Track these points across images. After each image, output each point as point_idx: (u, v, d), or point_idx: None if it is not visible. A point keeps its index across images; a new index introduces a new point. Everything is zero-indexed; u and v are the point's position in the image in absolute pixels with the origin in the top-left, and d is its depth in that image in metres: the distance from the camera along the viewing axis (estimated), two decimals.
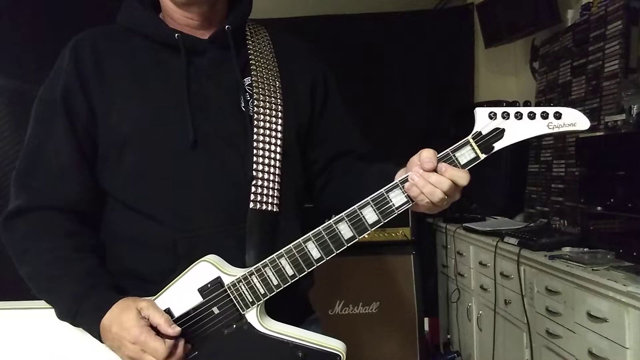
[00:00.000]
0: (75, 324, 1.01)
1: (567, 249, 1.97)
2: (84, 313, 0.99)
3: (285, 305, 1.02)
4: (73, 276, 1.00)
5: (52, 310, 1.02)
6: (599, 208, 1.89)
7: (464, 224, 2.79)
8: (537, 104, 2.83)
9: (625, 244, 1.76)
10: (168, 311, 0.99)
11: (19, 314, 1.08)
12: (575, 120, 0.93)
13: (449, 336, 3.19)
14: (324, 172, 1.21)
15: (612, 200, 1.80)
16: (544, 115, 0.93)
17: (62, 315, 1.01)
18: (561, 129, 0.93)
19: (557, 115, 0.93)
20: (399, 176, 0.98)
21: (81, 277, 1.00)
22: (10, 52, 2.80)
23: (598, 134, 2.03)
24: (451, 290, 3.03)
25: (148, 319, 0.96)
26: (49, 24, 2.76)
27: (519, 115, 0.93)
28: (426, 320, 3.21)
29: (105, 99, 1.04)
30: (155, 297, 1.01)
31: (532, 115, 0.93)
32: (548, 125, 0.93)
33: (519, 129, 0.93)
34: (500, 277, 2.34)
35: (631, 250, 1.71)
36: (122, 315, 0.96)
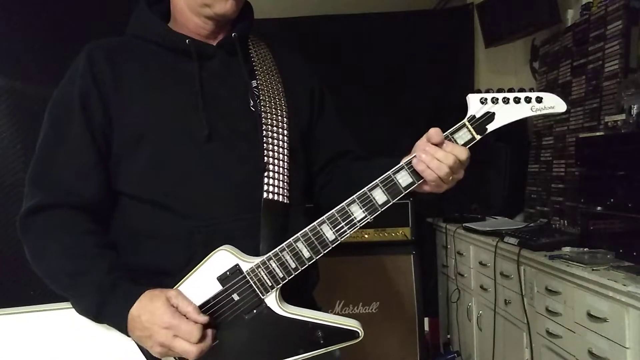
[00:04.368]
0: (99, 317, 1.02)
1: (567, 249, 1.97)
2: (111, 305, 1.00)
3: (294, 304, 1.06)
4: (97, 271, 1.02)
5: (51, 314, 1.03)
6: (599, 208, 1.89)
7: (464, 224, 2.79)
8: None
9: (625, 244, 1.75)
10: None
11: (18, 319, 1.07)
12: (554, 103, 1.03)
13: (449, 336, 3.20)
14: (323, 172, 1.28)
15: (612, 200, 1.80)
16: (527, 100, 1.03)
17: (84, 310, 1.03)
18: (543, 112, 1.03)
19: (539, 100, 1.03)
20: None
21: (105, 271, 1.03)
22: (10, 52, 2.80)
23: (598, 134, 2.03)
24: (451, 290, 3.03)
25: (177, 308, 0.99)
26: (49, 24, 2.76)
27: (506, 100, 1.04)
28: (426, 320, 3.22)
29: (121, 101, 1.09)
30: (174, 288, 1.03)
31: (517, 100, 1.04)
32: (531, 109, 1.03)
33: (507, 112, 1.03)
34: (500, 277, 2.34)
35: (631, 250, 1.71)
36: (152, 304, 0.98)
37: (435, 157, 1.00)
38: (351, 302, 2.81)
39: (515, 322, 2.23)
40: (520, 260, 2.10)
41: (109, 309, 1.01)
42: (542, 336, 1.98)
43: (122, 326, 1.01)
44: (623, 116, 1.84)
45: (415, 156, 1.03)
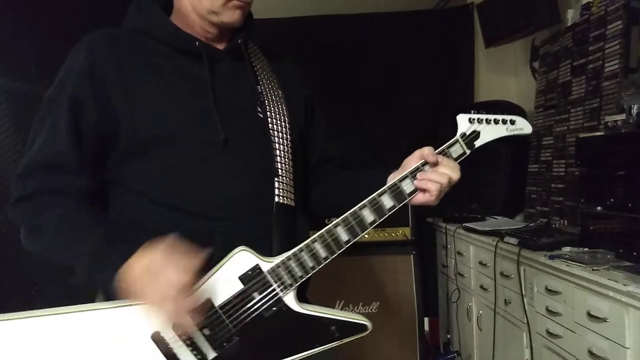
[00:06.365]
0: (95, 276, 1.02)
1: (567, 249, 1.97)
2: (109, 259, 1.00)
3: None
4: (95, 234, 1.03)
5: (52, 319, 1.02)
6: (599, 208, 1.89)
7: (464, 224, 2.79)
8: (537, 104, 2.83)
9: (625, 244, 1.76)
10: (209, 301, 1.04)
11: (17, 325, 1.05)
12: (523, 126, 1.20)
13: (449, 336, 3.20)
14: (311, 174, 1.33)
15: (612, 200, 1.80)
16: (504, 122, 1.19)
17: (84, 271, 1.02)
18: (515, 132, 1.19)
19: (512, 122, 1.19)
20: (393, 177, 1.14)
21: (103, 235, 1.03)
22: (10, 52, 2.80)
23: (598, 134, 2.03)
24: (451, 290, 3.03)
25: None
26: (50, 24, 2.76)
27: (488, 121, 1.17)
28: (426, 320, 3.22)
29: (128, 99, 1.07)
30: (195, 285, 1.03)
31: (496, 121, 1.18)
32: (507, 129, 1.18)
33: (489, 131, 1.17)
34: (500, 277, 2.34)
35: (631, 250, 1.71)
36: (150, 254, 0.98)
37: (443, 172, 1.10)
38: (351, 302, 2.81)
39: (515, 322, 2.23)
40: (520, 260, 2.10)
41: (106, 261, 1.00)
42: (542, 336, 1.99)
43: (119, 279, 0.98)
44: (623, 116, 1.84)
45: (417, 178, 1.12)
